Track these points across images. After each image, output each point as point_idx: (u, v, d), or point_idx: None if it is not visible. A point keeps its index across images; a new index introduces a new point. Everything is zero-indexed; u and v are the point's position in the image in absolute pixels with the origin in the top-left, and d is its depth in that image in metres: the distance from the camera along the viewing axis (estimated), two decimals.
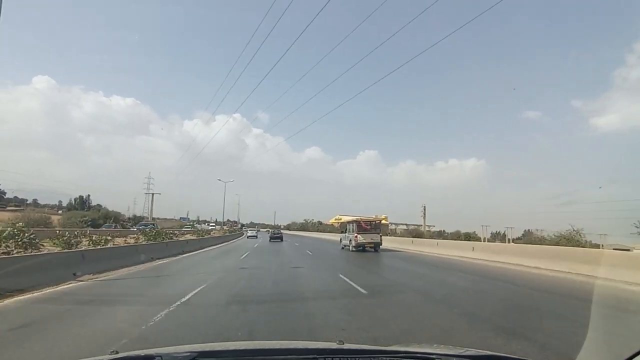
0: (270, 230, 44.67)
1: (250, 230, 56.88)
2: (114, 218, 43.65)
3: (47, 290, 7.06)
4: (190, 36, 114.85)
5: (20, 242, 10.41)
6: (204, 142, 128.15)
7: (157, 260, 13.47)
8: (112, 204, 67.10)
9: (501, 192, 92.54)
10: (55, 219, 36.07)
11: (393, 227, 54.42)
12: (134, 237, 20.65)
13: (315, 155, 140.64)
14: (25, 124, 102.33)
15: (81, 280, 8.36)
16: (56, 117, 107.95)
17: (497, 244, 28.63)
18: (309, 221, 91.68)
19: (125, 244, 16.09)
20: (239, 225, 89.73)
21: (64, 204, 72.61)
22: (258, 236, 46.11)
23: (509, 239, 36.79)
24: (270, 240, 35.38)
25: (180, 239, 22.36)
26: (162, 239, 19.50)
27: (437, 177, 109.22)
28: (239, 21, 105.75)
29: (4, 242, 10.34)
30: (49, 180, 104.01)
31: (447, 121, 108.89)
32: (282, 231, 47.12)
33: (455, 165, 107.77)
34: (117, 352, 1.36)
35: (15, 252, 9.89)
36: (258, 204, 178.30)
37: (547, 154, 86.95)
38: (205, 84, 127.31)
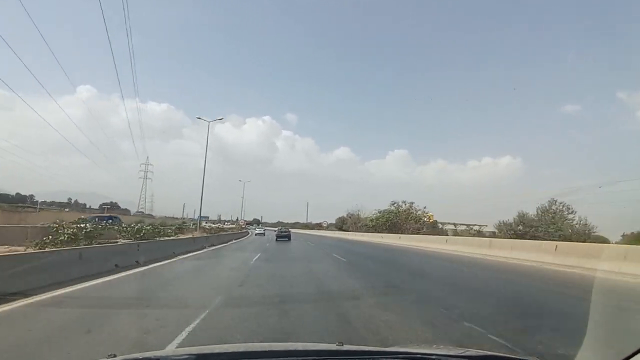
0: (277, 228, 45.57)
1: (258, 228, 64.77)
2: None
3: None
4: (223, 41, 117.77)
5: None
6: (235, 144, 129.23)
7: None
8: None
9: (539, 190, 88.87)
10: None
11: (451, 226, 48.48)
12: None
13: (344, 156, 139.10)
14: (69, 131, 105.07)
15: None
16: (97, 124, 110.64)
17: None
18: (394, 210, 43.65)
19: None
20: (243, 224, 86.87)
21: None
22: (265, 234, 50.98)
23: None
24: (277, 240, 31.45)
25: None
26: None
27: (469, 175, 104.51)
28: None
29: None
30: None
31: (480, 118, 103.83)
32: (324, 234, 53.13)
33: (489, 163, 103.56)
34: (115, 355, 1.35)
35: None
36: (288, 204, 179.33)
37: (589, 149, 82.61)
38: (237, 88, 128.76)
